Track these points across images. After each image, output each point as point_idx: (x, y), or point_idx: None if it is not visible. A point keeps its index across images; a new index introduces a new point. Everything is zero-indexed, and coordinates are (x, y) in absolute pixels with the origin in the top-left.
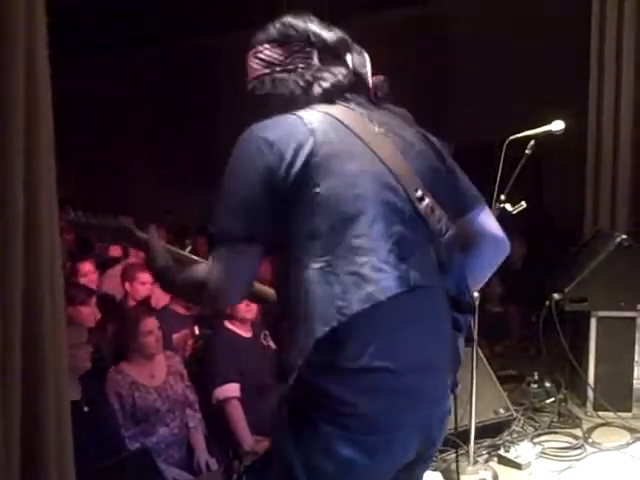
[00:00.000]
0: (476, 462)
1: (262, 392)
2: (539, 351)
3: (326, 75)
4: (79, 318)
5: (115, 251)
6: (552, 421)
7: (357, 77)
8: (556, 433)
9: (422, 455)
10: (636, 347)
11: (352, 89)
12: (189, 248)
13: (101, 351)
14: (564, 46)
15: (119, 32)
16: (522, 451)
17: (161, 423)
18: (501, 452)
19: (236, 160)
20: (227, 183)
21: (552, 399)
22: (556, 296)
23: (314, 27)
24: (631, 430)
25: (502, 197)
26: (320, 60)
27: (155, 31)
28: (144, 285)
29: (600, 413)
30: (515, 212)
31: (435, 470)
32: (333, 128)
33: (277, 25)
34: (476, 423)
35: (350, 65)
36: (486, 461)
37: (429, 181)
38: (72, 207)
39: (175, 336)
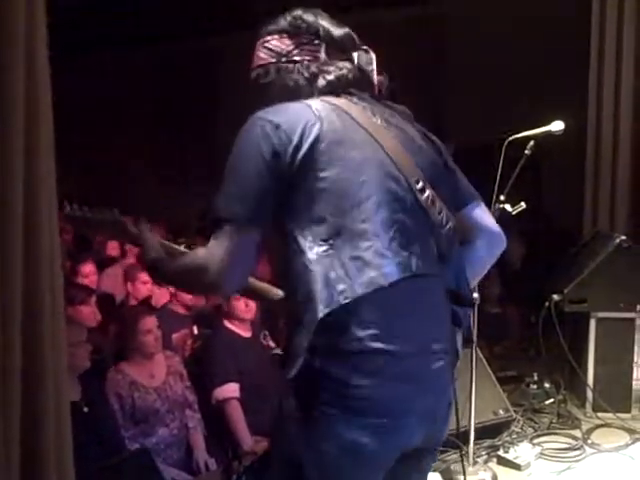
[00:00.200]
0: (475, 463)
1: (261, 392)
2: (538, 352)
3: (331, 68)
4: (79, 318)
5: (113, 250)
6: (551, 422)
7: (362, 74)
8: (555, 434)
9: (429, 442)
10: (635, 348)
11: (356, 84)
12: (182, 246)
13: (101, 351)
14: (564, 46)
15: (118, 32)
16: (521, 452)
17: (160, 423)
18: (500, 453)
19: (241, 142)
20: (231, 165)
21: (551, 400)
22: (555, 297)
23: (324, 22)
24: (630, 431)
25: (502, 197)
26: (327, 54)
27: (155, 31)
28: (145, 285)
29: (599, 414)
30: (514, 213)
31: (434, 471)
32: (338, 117)
33: (288, 17)
34: (475, 424)
35: (356, 61)
36: (485, 462)
37: (429, 175)
38: (68, 201)
39: (174, 336)
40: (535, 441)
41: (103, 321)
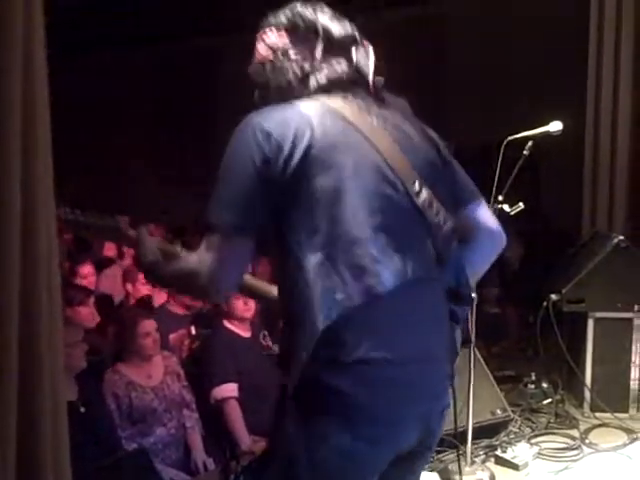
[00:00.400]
0: (473, 463)
1: (260, 392)
2: (536, 352)
3: (325, 68)
4: (77, 318)
5: (110, 251)
6: (549, 422)
7: (359, 73)
8: (553, 434)
9: (422, 444)
10: (633, 348)
11: (352, 83)
12: (180, 247)
13: (98, 352)
14: (563, 46)
15: (117, 32)
16: (519, 452)
17: (158, 423)
18: (498, 453)
19: (232, 149)
20: (223, 172)
21: (549, 400)
22: (554, 297)
23: (322, 18)
24: (628, 431)
25: (500, 198)
26: (323, 52)
27: (154, 31)
28: (145, 285)
29: (597, 414)
30: (513, 213)
31: (432, 471)
32: (331, 119)
33: (287, 12)
34: (473, 424)
35: (354, 60)
36: (483, 462)
37: (427, 174)
38: (63, 205)
39: (172, 336)
40: (533, 441)
41: (102, 322)
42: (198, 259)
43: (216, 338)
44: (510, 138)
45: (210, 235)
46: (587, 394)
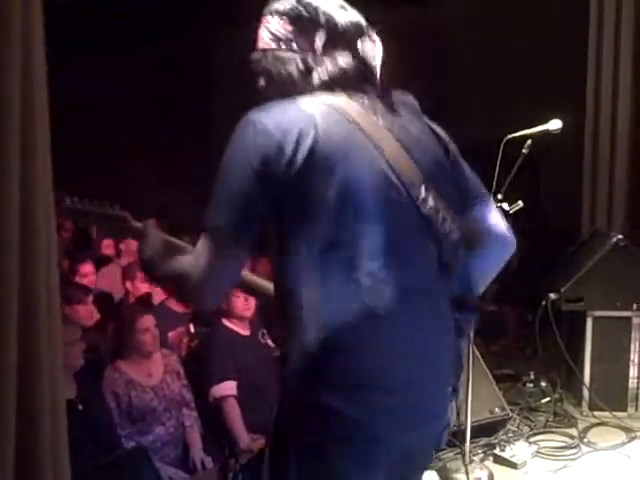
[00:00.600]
0: (472, 461)
1: (259, 390)
2: (535, 350)
3: (329, 63)
4: (76, 317)
5: (108, 249)
6: (548, 420)
7: (365, 67)
8: (552, 432)
9: (418, 458)
10: (632, 347)
11: (358, 79)
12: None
13: (97, 349)
14: (562, 45)
15: (116, 30)
16: (518, 450)
17: (157, 422)
18: (497, 451)
19: (232, 150)
20: (221, 174)
21: (548, 398)
22: (552, 296)
23: (328, 7)
24: (626, 430)
25: (499, 196)
26: (327, 45)
27: (154, 30)
28: (145, 283)
29: (596, 413)
30: (512, 211)
31: (431, 469)
32: (335, 120)
33: None
34: (472, 422)
35: (360, 53)
36: (482, 460)
37: (434, 178)
38: (68, 195)
39: (170, 334)
40: (531, 440)
41: (100, 320)
42: (191, 261)
43: (215, 336)
44: (509, 136)
45: (204, 238)
46: (586, 393)
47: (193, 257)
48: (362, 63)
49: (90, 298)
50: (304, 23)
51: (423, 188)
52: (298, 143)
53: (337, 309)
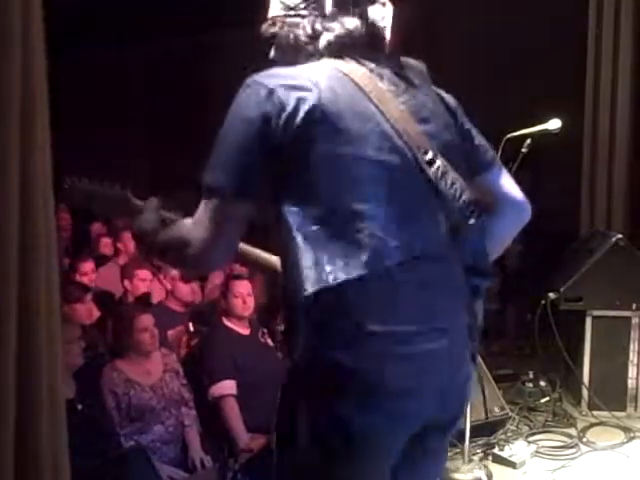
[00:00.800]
0: (471, 461)
1: (259, 390)
2: (534, 350)
3: (337, 26)
4: (74, 315)
5: (106, 248)
6: (547, 420)
7: (373, 30)
8: (551, 432)
9: (438, 422)
10: (631, 346)
11: (366, 43)
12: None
13: (97, 348)
14: (562, 44)
15: (115, 29)
16: (517, 450)
17: (156, 421)
18: (496, 451)
19: (233, 109)
20: (222, 133)
21: (547, 398)
22: (552, 295)
23: None
24: (625, 429)
25: None
26: (337, 9)
27: (154, 27)
28: (144, 282)
29: (594, 412)
30: None
31: None
32: (340, 84)
33: None
34: (471, 422)
35: (369, 17)
36: (481, 460)
37: (442, 143)
38: (69, 176)
39: (169, 333)
40: (530, 439)
41: (101, 318)
42: (191, 226)
43: (214, 335)
44: (509, 136)
45: (204, 200)
46: (585, 392)
47: (192, 221)
48: (371, 29)
49: (89, 297)
50: None
51: (430, 153)
52: (298, 103)
53: (328, 265)
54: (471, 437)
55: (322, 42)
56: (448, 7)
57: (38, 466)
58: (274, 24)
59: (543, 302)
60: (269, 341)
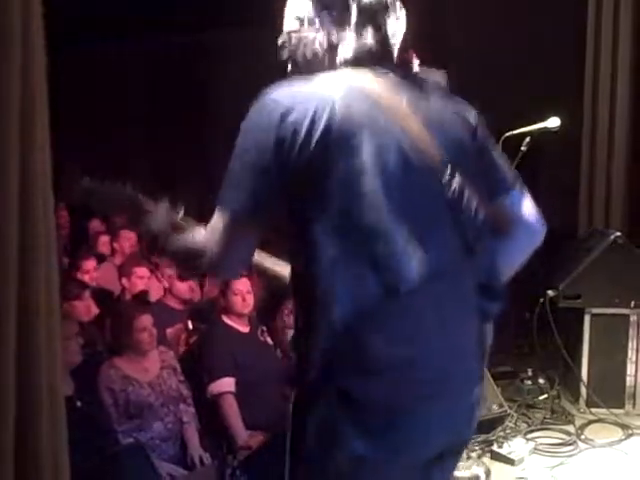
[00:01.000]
0: (469, 458)
1: (258, 387)
2: (533, 348)
3: (354, 39)
4: (73, 313)
5: (103, 247)
6: (545, 417)
7: (389, 44)
8: (549, 429)
9: (451, 447)
10: (629, 344)
11: (382, 56)
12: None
13: (94, 346)
14: (562, 44)
15: (116, 26)
16: (515, 447)
17: (155, 418)
18: (494, 448)
19: (247, 127)
20: (237, 150)
21: (545, 395)
22: (550, 293)
23: None
24: (623, 427)
25: None
26: (351, 21)
27: (155, 25)
28: (142, 279)
29: (593, 410)
30: None
31: None
32: (356, 98)
33: None
34: None
35: (385, 30)
36: (479, 457)
37: (459, 160)
38: (80, 174)
39: (168, 331)
40: (529, 436)
41: (100, 316)
42: (204, 238)
43: (214, 333)
44: (508, 134)
45: (217, 216)
46: (583, 390)
47: (206, 233)
48: (386, 41)
49: (87, 294)
50: (327, 0)
51: (447, 170)
52: (313, 123)
53: (357, 292)
54: None
55: (339, 57)
56: (447, 6)
57: (38, 465)
58: (290, 39)
59: (542, 300)
60: (268, 339)
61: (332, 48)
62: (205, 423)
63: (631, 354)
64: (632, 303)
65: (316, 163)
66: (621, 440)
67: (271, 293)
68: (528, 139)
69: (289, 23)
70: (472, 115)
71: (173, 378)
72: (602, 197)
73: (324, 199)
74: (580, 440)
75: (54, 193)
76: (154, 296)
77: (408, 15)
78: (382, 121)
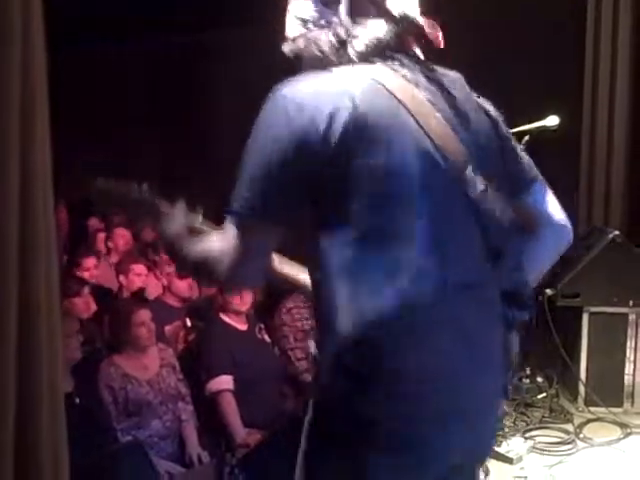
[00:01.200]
0: None
1: (256, 385)
2: (531, 346)
3: (362, 32)
4: (72, 310)
5: (102, 244)
6: (543, 416)
7: (402, 28)
8: (547, 428)
9: (472, 460)
10: (628, 343)
11: (396, 45)
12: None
13: (94, 343)
14: (561, 42)
15: (116, 26)
16: (513, 446)
17: (153, 416)
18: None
19: (260, 125)
20: (249, 151)
21: (544, 394)
22: (549, 291)
23: None
24: (622, 425)
25: None
26: (355, 11)
27: (156, 24)
28: (139, 276)
29: (591, 408)
30: None
31: None
32: (374, 93)
33: None
34: None
35: (394, 14)
36: None
37: (482, 159)
38: (94, 175)
39: (167, 328)
40: (527, 435)
41: (98, 313)
42: (219, 245)
43: (212, 330)
44: None
45: (232, 221)
46: (582, 389)
47: (220, 241)
48: (399, 25)
49: (86, 290)
50: None
51: (470, 169)
52: (332, 117)
53: (377, 301)
54: None
55: (350, 50)
56: (446, 5)
57: (38, 461)
58: (296, 43)
59: (540, 298)
60: (266, 337)
61: (342, 43)
62: (203, 421)
63: (629, 353)
64: (631, 302)
65: (333, 160)
66: (620, 439)
67: (269, 291)
68: (527, 137)
69: (291, 27)
70: (492, 107)
71: (172, 376)
72: (601, 195)
73: (341, 199)
74: (579, 439)
75: (54, 192)
76: (153, 293)
77: None
78: (401, 116)
